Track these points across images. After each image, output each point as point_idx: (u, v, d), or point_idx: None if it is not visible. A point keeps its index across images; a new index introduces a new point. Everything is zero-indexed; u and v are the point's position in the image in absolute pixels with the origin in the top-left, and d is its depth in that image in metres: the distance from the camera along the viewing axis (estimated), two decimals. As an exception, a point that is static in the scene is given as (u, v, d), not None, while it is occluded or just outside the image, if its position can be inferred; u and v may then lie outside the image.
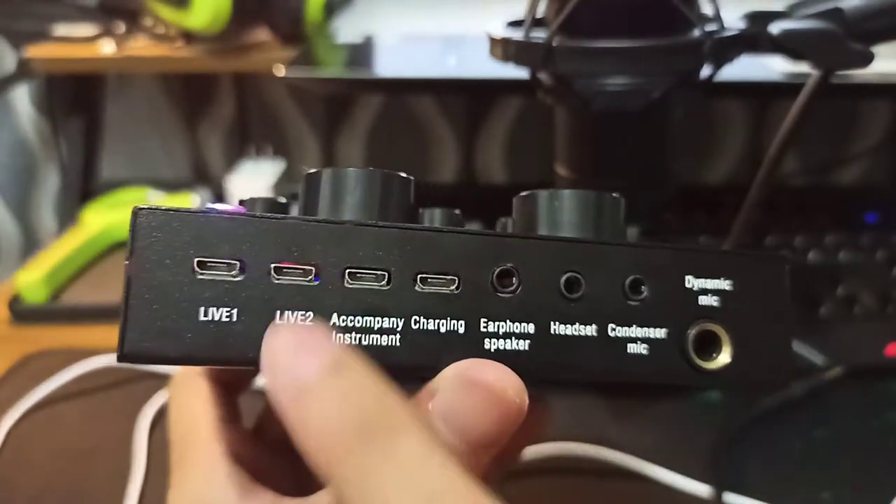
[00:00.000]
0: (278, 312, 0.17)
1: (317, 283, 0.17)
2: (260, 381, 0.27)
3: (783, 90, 0.53)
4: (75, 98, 0.76)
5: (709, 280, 0.19)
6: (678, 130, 0.37)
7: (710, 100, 0.72)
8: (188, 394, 0.23)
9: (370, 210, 0.19)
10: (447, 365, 0.17)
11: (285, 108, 0.78)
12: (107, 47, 0.67)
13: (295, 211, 0.20)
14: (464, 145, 0.77)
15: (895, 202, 0.62)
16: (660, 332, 0.19)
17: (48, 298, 0.52)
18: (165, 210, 0.16)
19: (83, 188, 0.74)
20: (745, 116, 0.75)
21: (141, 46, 0.67)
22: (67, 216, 0.71)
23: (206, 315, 0.16)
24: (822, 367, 0.42)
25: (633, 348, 0.18)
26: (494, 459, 0.17)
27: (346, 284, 0.17)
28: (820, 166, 0.75)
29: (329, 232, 0.17)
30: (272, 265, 0.17)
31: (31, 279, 0.52)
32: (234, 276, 0.16)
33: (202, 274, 0.16)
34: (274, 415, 0.25)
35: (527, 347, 0.18)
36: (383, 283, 0.17)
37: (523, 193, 0.21)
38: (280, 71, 0.50)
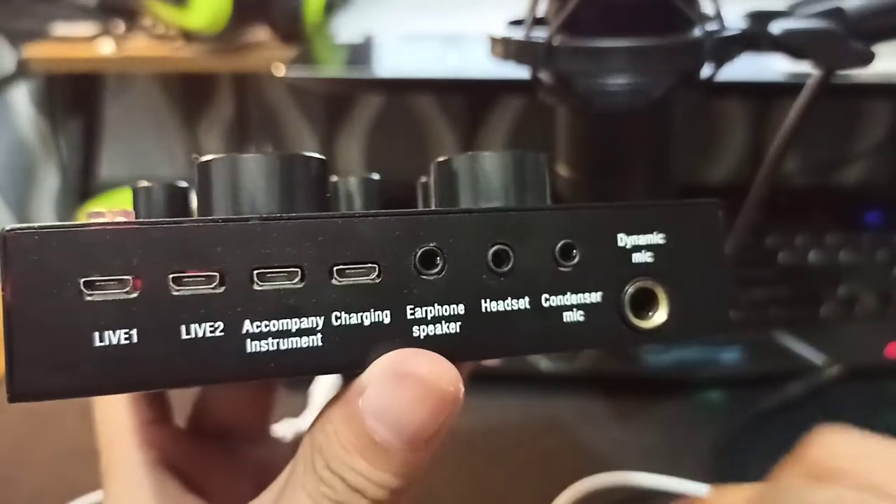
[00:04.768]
0: (183, 327, 0.15)
1: (222, 289, 0.15)
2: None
3: (784, 90, 0.53)
4: (75, 98, 0.76)
5: (641, 236, 0.18)
6: (679, 130, 0.37)
7: (710, 99, 0.72)
8: (110, 397, 0.21)
9: (274, 201, 0.17)
10: (376, 359, 0.16)
11: (285, 108, 0.77)
12: (106, 47, 0.66)
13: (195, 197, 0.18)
14: (464, 145, 0.77)
15: (896, 202, 0.62)
16: (595, 297, 0.18)
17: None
18: (39, 229, 0.14)
19: (82, 188, 0.74)
20: (746, 116, 0.75)
21: (140, 46, 0.67)
22: (67, 215, 0.71)
23: (101, 340, 0.14)
24: (821, 367, 0.42)
25: (569, 316, 0.17)
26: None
27: (256, 287, 0.15)
28: (821, 166, 0.75)
29: (229, 231, 0.15)
30: (170, 276, 0.15)
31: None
32: (127, 294, 0.15)
33: (91, 295, 0.14)
34: (210, 403, 0.24)
35: (458, 330, 0.17)
36: (296, 280, 0.16)
37: (440, 159, 0.19)
38: (279, 70, 0.50)
